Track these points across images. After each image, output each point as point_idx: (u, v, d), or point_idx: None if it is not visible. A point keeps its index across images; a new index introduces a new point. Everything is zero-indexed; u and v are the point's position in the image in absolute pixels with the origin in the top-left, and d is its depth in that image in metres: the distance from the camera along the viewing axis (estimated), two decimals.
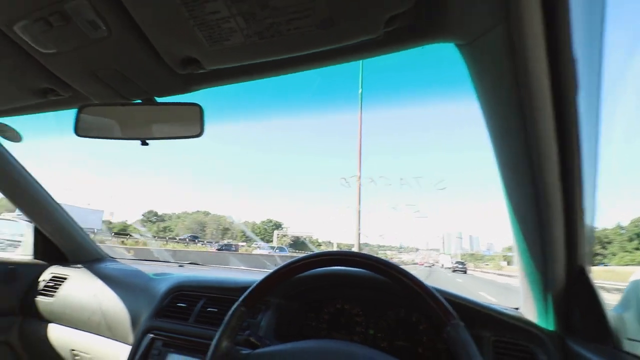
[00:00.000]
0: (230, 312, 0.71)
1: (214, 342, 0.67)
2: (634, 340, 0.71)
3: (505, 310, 0.92)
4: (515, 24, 0.48)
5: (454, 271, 33.80)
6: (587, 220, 0.67)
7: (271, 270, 0.77)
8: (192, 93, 0.84)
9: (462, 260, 50.41)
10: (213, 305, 1.09)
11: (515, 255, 0.83)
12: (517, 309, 0.99)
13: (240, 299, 0.73)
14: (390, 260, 0.76)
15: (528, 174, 0.63)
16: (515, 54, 0.50)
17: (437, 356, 0.94)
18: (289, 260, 0.76)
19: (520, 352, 0.83)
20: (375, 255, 0.73)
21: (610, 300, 0.77)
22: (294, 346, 0.68)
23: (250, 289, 0.74)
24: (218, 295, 1.11)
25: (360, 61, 0.72)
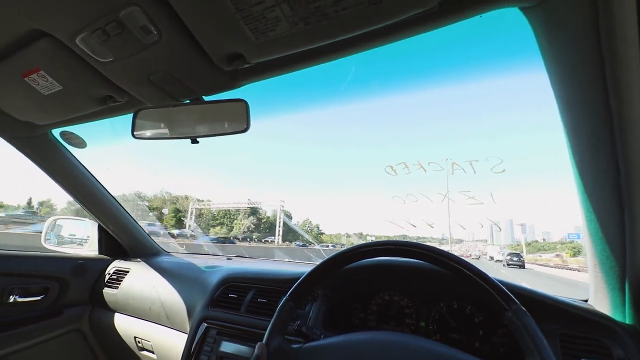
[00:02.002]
0: (278, 307, 0.72)
1: (265, 338, 0.68)
2: None
3: (573, 302, 0.85)
4: None
5: (507, 265, 25.53)
6: None
7: (317, 263, 0.77)
8: (237, 90, 0.87)
9: (518, 251, 36.54)
10: (262, 296, 1.12)
11: (587, 241, 0.76)
12: (585, 300, 0.91)
13: (288, 293, 0.74)
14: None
15: (607, 150, 0.57)
16: (597, 10, 0.45)
17: (495, 350, 0.89)
18: (334, 253, 0.76)
19: (592, 347, 0.76)
20: (424, 244, 0.71)
21: None
22: (346, 338, 0.67)
23: (298, 282, 0.75)
24: (267, 287, 1.14)
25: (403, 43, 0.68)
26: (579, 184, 0.68)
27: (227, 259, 1.78)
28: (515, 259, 26.59)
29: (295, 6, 0.53)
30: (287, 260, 1.88)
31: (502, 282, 0.83)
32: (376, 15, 0.55)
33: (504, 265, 25.64)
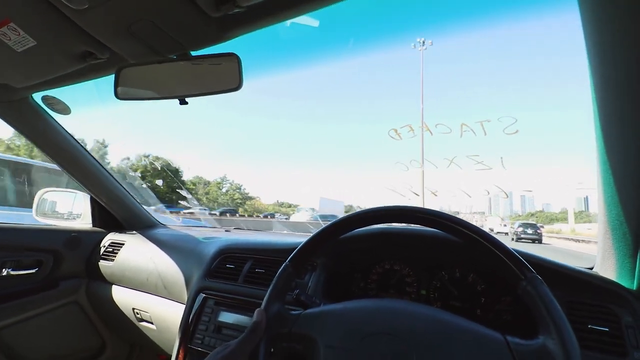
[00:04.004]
0: (278, 273, 0.69)
1: (264, 303, 0.65)
2: None
3: (580, 269, 0.82)
4: None
5: (518, 240, 18.95)
6: None
7: (319, 229, 0.73)
8: (228, 44, 0.79)
9: (533, 222, 25.89)
10: (260, 266, 1.10)
11: (600, 206, 0.72)
12: (590, 268, 0.88)
13: (288, 258, 0.70)
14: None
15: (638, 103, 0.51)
16: None
17: (498, 318, 0.87)
18: (336, 219, 0.72)
19: (599, 313, 0.73)
20: (434, 209, 0.66)
21: None
22: (346, 305, 0.65)
23: (298, 248, 0.71)
24: (264, 257, 1.12)
25: None
26: (600, 146, 0.64)
27: (225, 230, 1.76)
28: (529, 230, 19.67)
29: None
30: (285, 232, 1.85)
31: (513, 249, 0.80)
32: None
33: (512, 240, 19.52)
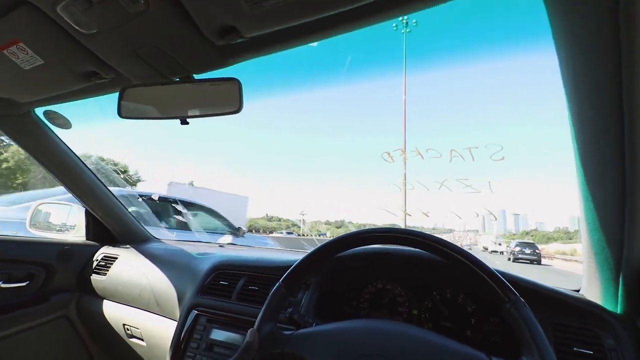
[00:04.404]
0: (271, 293, 0.71)
1: (256, 323, 0.66)
2: None
3: (566, 292, 0.85)
4: None
5: (515, 260, 17.96)
6: None
7: (311, 250, 0.75)
8: (229, 68, 0.83)
9: (531, 241, 24.20)
10: (253, 283, 1.10)
11: (583, 230, 0.75)
12: (577, 291, 0.91)
13: (281, 279, 0.72)
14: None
15: (614, 134, 0.55)
16: None
17: (488, 339, 0.89)
18: (329, 240, 0.74)
19: (583, 336, 0.75)
20: (423, 232, 0.69)
21: None
22: (338, 326, 0.66)
23: (292, 268, 0.73)
24: (258, 274, 1.12)
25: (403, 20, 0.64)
26: (580, 172, 0.67)
27: (220, 246, 1.76)
28: (527, 250, 18.38)
29: None
30: (280, 248, 1.86)
31: (498, 271, 0.82)
32: None
33: (509, 260, 18.66)
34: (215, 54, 0.76)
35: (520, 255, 18.18)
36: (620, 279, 0.72)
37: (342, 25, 0.65)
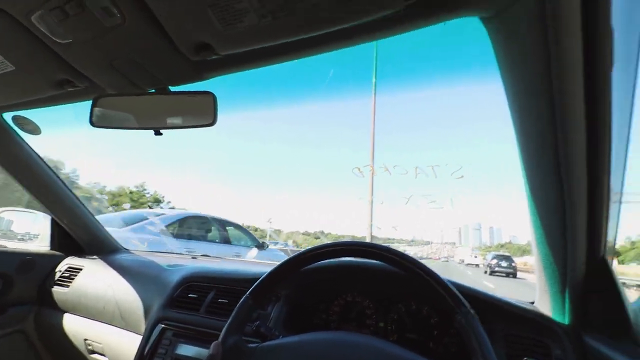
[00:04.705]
0: (238, 305, 0.71)
1: (221, 336, 0.66)
2: None
3: (519, 304, 0.89)
4: None
5: (492, 273, 17.97)
6: (612, 210, 0.64)
7: (279, 263, 0.76)
8: (205, 82, 0.84)
9: (508, 254, 23.75)
10: (224, 296, 1.09)
11: (532, 245, 0.80)
12: (532, 302, 0.96)
13: (248, 291, 0.72)
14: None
15: (552, 160, 0.60)
16: (546, 27, 0.48)
17: (448, 350, 0.92)
18: (296, 253, 0.76)
19: (534, 347, 0.80)
20: (382, 244, 0.72)
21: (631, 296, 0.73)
22: (301, 338, 0.67)
23: (259, 281, 0.74)
24: (229, 287, 1.11)
25: (375, 46, 0.69)
26: (527, 192, 0.72)
27: (192, 257, 1.73)
28: (504, 263, 18.25)
29: None
30: (254, 260, 1.84)
31: (452, 282, 0.86)
32: (344, 15, 0.55)
33: (486, 273, 18.65)
34: (191, 68, 0.78)
35: (497, 269, 18.21)
36: (567, 292, 0.77)
37: (313, 48, 0.68)
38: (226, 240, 4.85)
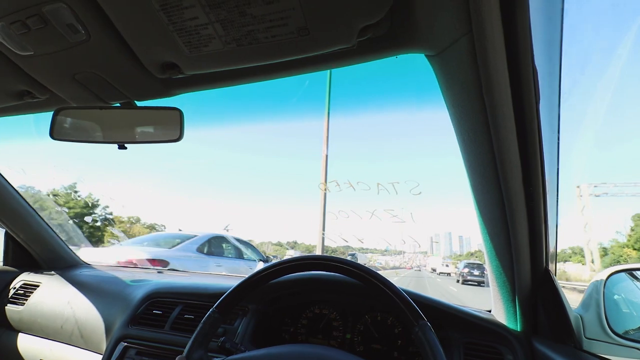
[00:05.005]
0: (204, 318, 0.71)
1: (185, 350, 0.66)
2: (592, 339, 0.75)
3: (476, 313, 0.95)
4: (477, 36, 0.51)
5: (464, 282, 17.88)
6: (550, 223, 0.71)
7: (246, 276, 0.77)
8: (172, 97, 0.85)
9: (478, 261, 22.07)
10: (190, 312, 1.07)
11: (486, 259, 0.86)
12: (489, 311, 1.02)
13: (215, 305, 0.73)
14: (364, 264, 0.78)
15: (494, 180, 0.66)
16: (478, 65, 0.53)
17: (411, 359, 0.95)
18: (262, 267, 0.77)
19: (489, 354, 0.85)
20: (344, 258, 0.75)
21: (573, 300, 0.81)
22: (267, 352, 0.68)
23: (225, 295, 0.74)
24: (195, 302, 1.10)
25: (330, 71, 0.74)
26: (475, 209, 0.78)
27: (158, 272, 1.68)
28: (476, 272, 17.75)
29: (227, 27, 0.55)
30: (223, 274, 1.82)
31: (411, 293, 0.91)
32: (303, 46, 0.59)
33: (458, 282, 18.48)
34: (157, 84, 0.78)
35: (469, 277, 17.85)
36: (517, 301, 0.83)
37: (274, 73, 0.72)
38: (240, 256, 5.64)
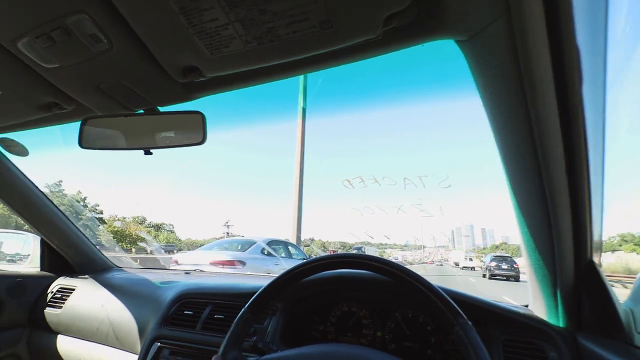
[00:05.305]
0: (236, 318, 0.71)
1: (220, 350, 0.66)
2: None
3: (514, 308, 0.91)
4: (516, 17, 0.47)
5: (491, 277, 16.27)
6: (595, 214, 0.66)
7: (276, 276, 0.77)
8: (194, 101, 0.85)
9: (507, 255, 19.66)
10: (220, 312, 1.09)
11: (523, 251, 0.82)
12: (526, 306, 0.98)
13: (247, 305, 0.73)
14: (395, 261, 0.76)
15: (533, 169, 0.62)
16: (516, 48, 0.50)
17: (446, 358, 0.93)
18: (293, 266, 0.77)
19: (530, 350, 0.81)
20: (379, 256, 0.73)
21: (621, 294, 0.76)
22: (300, 352, 0.67)
23: (256, 294, 0.74)
24: (224, 302, 1.11)
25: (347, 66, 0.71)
26: (512, 200, 0.74)
27: (185, 273, 1.71)
28: (504, 265, 16.21)
29: (248, 26, 0.54)
30: (246, 274, 1.84)
31: (447, 290, 0.87)
32: (326, 40, 0.57)
33: (484, 276, 16.83)
34: (179, 89, 0.78)
35: (496, 272, 16.37)
36: (559, 295, 0.79)
37: (297, 69, 0.70)
38: (290, 256, 6.48)
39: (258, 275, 1.74)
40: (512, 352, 0.82)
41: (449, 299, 0.64)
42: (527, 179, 0.66)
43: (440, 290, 0.65)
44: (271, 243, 6.16)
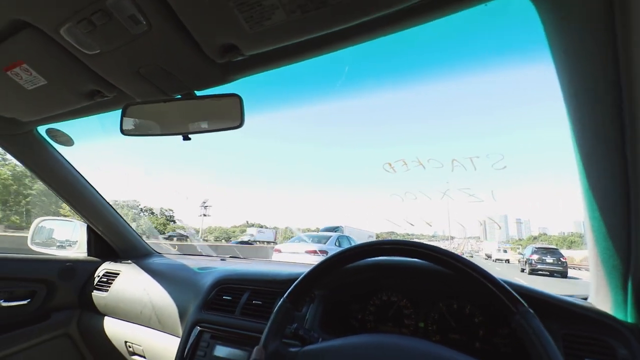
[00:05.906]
0: (275, 309, 0.70)
1: (262, 341, 0.65)
2: None
3: (575, 301, 0.83)
4: None
5: (532, 272, 14.05)
6: None
7: (316, 264, 0.75)
8: (231, 83, 0.83)
9: (553, 247, 16.38)
10: (257, 297, 1.09)
11: (589, 238, 0.74)
12: (585, 298, 0.89)
13: (285, 294, 0.71)
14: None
15: (616, 142, 0.55)
16: (613, 6, 0.43)
17: (497, 351, 0.87)
18: (333, 253, 0.74)
19: (594, 347, 0.74)
20: (424, 243, 0.69)
21: None
22: (344, 342, 0.65)
23: (296, 283, 0.72)
24: (262, 288, 1.11)
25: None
26: (583, 180, 0.67)
27: (221, 259, 1.75)
28: (549, 259, 13.87)
29: None
30: (283, 261, 1.85)
31: (505, 281, 0.81)
32: (375, 3, 0.52)
33: (523, 271, 14.81)
34: (217, 71, 0.77)
35: (539, 266, 13.99)
36: (629, 287, 0.71)
37: (339, 42, 0.66)
38: (341, 245, 7.92)
39: (294, 263, 1.74)
40: (574, 348, 0.75)
41: (507, 286, 0.59)
42: (607, 158, 0.58)
43: (499, 279, 0.60)
44: (340, 237, 8.58)
